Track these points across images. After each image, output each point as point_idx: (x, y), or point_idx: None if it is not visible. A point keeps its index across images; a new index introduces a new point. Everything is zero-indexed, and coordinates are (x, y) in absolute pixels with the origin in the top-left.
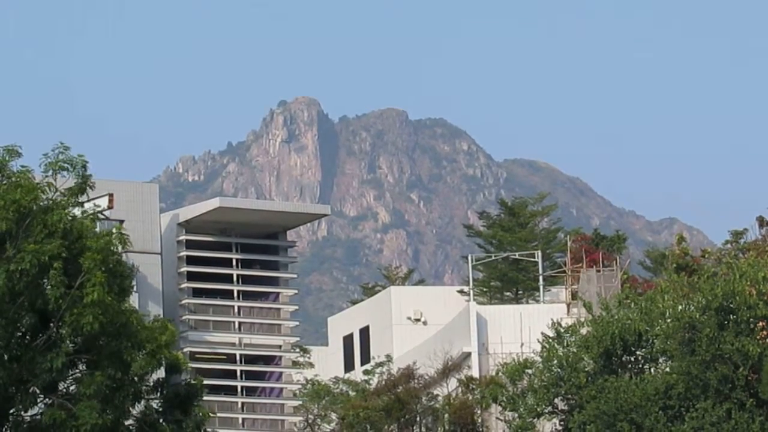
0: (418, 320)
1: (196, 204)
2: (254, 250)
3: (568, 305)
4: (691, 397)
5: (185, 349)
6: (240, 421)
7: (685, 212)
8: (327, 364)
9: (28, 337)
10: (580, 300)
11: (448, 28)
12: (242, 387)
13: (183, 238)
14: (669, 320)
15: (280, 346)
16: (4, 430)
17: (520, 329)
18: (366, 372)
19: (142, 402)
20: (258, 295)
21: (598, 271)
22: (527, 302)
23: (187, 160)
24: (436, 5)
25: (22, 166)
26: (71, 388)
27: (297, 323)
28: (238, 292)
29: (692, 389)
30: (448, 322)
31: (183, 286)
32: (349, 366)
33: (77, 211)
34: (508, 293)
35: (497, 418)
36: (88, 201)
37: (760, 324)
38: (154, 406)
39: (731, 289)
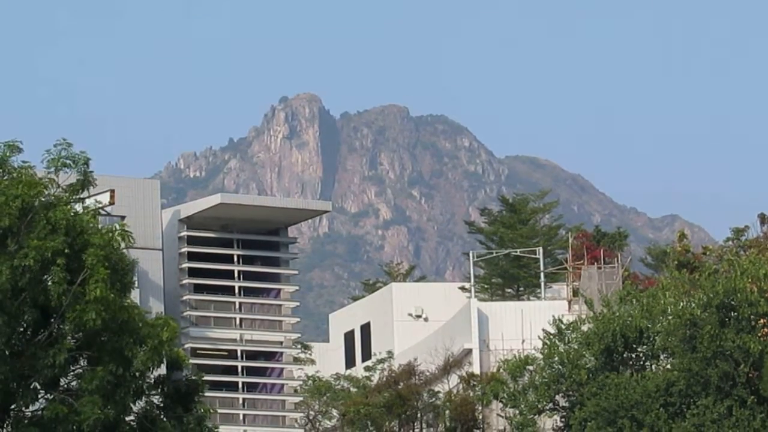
0: (419, 317)
1: (197, 200)
2: (255, 247)
3: (570, 302)
4: (692, 394)
5: (186, 346)
6: (241, 417)
7: (686, 209)
8: (328, 360)
9: (29, 332)
10: (581, 297)
11: (450, 24)
12: (243, 383)
13: (184, 234)
14: (670, 317)
15: (281, 343)
16: (5, 425)
17: (521, 326)
18: (367, 368)
19: (144, 398)
20: (259, 291)
21: (600, 268)
22: (528, 299)
23: (189, 157)
24: (438, 1)
25: (24, 162)
26: (73, 383)
27: (298, 319)
28: (240, 288)
29: (693, 386)
30: (449, 319)
31: (184, 282)
32: (350, 362)
33: (79, 207)
34: (509, 290)
35: (498, 414)
36: (90, 197)
37: (762, 321)
38: (156, 402)
39: (732, 286)
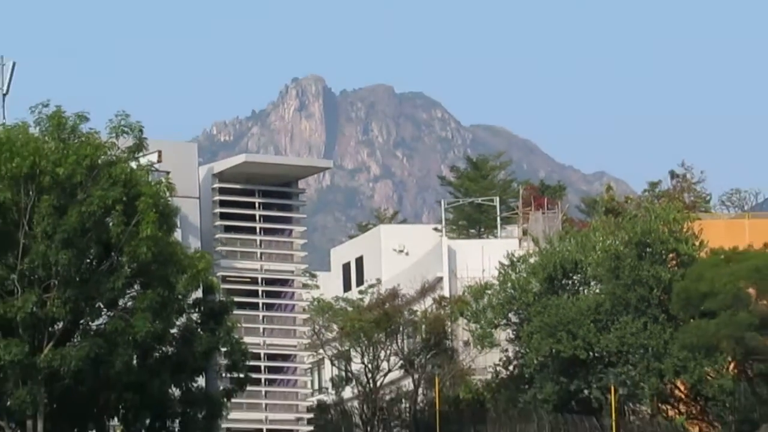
0: (401, 251)
1: (226, 159)
2: (273, 196)
3: (520, 240)
4: (616, 312)
5: (218, 274)
6: (261, 330)
7: (613, 166)
8: (329, 286)
9: (94, 263)
10: (529, 236)
11: (427, 17)
12: (263, 303)
13: (216, 186)
14: (599, 252)
15: (292, 272)
16: (76, 336)
17: (482, 259)
18: (360, 292)
19: (184, 315)
20: (275, 231)
21: (544, 213)
22: (488, 238)
23: (220, 124)
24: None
25: (90, 129)
26: (128, 303)
27: (306, 253)
28: (260, 228)
29: (617, 306)
30: (425, 253)
31: (216, 224)
32: (347, 287)
33: (134, 165)
34: (472, 230)
35: (463, 328)
36: (143, 156)
37: (671, 255)
38: (194, 318)
39: (648, 228)
